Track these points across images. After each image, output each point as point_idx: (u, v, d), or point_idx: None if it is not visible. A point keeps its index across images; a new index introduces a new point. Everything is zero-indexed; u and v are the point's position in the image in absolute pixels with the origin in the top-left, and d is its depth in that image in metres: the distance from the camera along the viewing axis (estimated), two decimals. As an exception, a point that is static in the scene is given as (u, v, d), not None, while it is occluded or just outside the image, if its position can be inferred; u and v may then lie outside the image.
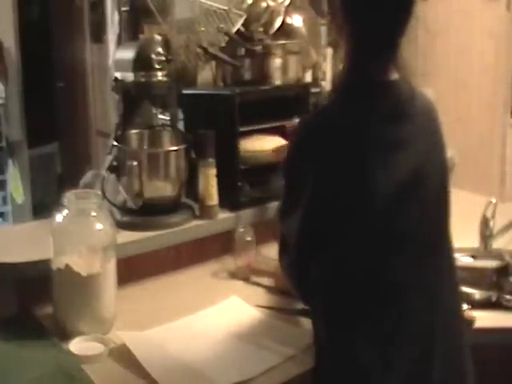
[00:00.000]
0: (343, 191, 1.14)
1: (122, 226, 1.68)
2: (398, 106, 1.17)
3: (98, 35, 4.36)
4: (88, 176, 1.88)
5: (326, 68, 2.37)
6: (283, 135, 1.93)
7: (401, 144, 1.16)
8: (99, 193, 1.55)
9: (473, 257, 1.71)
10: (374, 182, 1.13)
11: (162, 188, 1.75)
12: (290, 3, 2.13)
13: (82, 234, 1.42)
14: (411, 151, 1.17)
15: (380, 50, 1.17)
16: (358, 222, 1.15)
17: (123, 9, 3.38)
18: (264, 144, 1.97)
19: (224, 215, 1.83)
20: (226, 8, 1.99)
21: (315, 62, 2.32)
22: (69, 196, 1.43)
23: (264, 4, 2.04)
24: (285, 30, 2.11)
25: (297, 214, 1.19)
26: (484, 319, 1.44)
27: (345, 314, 1.18)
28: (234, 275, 1.74)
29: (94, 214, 1.43)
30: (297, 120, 1.78)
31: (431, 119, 1.25)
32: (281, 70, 2.01)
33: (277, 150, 1.91)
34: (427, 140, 1.21)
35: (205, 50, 1.93)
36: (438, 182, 1.22)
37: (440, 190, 1.23)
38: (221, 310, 1.55)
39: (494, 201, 1.74)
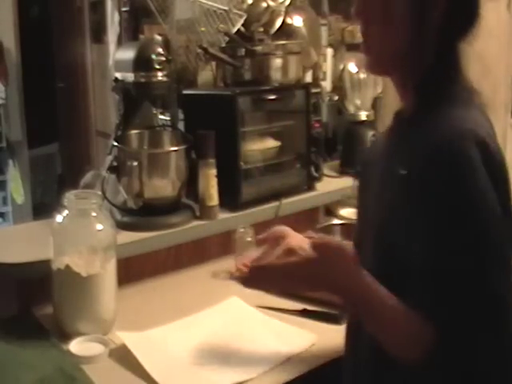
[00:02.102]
0: None
1: (122, 226, 1.68)
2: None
3: (98, 35, 4.36)
4: (88, 176, 1.88)
5: (326, 68, 2.37)
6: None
7: None
8: (99, 193, 1.55)
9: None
10: None
11: (163, 188, 1.75)
12: (290, 3, 2.13)
13: (82, 235, 1.42)
14: None
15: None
16: None
17: (123, 9, 3.38)
18: (264, 144, 1.97)
19: (224, 215, 1.83)
20: (226, 8, 1.98)
21: (315, 63, 2.32)
22: (69, 196, 1.43)
23: (264, 4, 2.04)
24: (285, 31, 2.11)
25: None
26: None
27: None
28: (234, 276, 1.74)
29: (94, 214, 1.43)
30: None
31: None
32: (281, 70, 2.01)
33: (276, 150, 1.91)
34: None
35: (205, 50, 1.93)
36: None
37: None
38: (221, 310, 1.54)
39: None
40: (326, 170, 2.21)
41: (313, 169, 2.06)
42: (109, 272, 1.44)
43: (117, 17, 3.53)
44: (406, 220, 0.96)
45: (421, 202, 0.93)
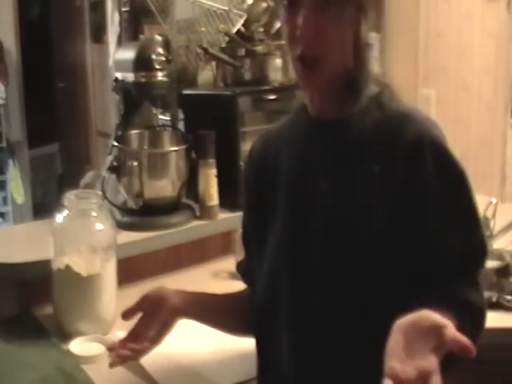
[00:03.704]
0: None
1: (122, 226, 1.68)
2: None
3: (98, 35, 4.36)
4: (88, 176, 1.88)
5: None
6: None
7: None
8: (99, 193, 1.55)
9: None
10: None
11: (163, 188, 1.75)
12: (290, 3, 2.13)
13: (82, 235, 1.42)
14: None
15: None
16: None
17: (123, 9, 3.38)
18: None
19: (224, 215, 1.82)
20: (226, 8, 1.98)
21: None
22: (69, 196, 1.43)
23: (264, 4, 2.03)
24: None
25: None
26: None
27: None
28: (234, 276, 1.74)
29: (94, 214, 1.43)
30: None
31: None
32: (281, 70, 2.00)
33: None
34: None
35: (205, 50, 1.93)
36: None
37: None
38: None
39: (494, 201, 1.74)
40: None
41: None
42: (109, 272, 1.44)
43: (117, 17, 3.53)
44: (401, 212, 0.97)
45: (419, 191, 0.96)
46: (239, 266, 1.27)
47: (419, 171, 0.96)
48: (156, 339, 1.13)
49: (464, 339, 0.74)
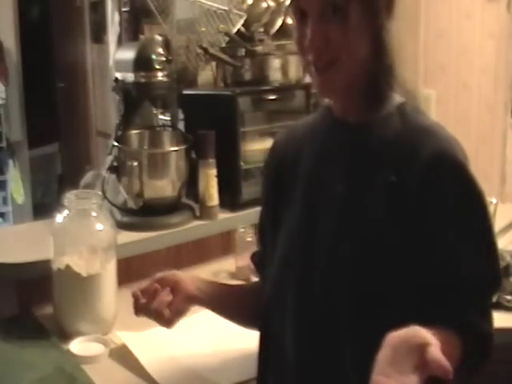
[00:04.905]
0: None
1: (122, 226, 1.68)
2: None
3: (99, 35, 4.36)
4: (88, 176, 1.88)
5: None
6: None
7: None
8: (99, 193, 1.55)
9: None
10: None
11: (163, 188, 1.75)
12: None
13: (82, 235, 1.43)
14: None
15: None
16: None
17: (123, 9, 3.38)
18: (264, 144, 1.97)
19: (224, 215, 1.82)
20: (226, 8, 1.98)
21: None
22: (69, 196, 1.43)
23: (264, 4, 2.03)
24: (285, 31, 2.11)
25: None
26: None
27: None
28: (234, 275, 1.74)
29: (94, 214, 1.43)
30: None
31: None
32: (281, 70, 2.00)
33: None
34: None
35: (205, 50, 1.93)
36: None
37: None
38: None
39: (494, 201, 1.74)
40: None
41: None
42: (109, 272, 1.44)
43: (117, 17, 3.53)
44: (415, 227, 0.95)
45: (435, 209, 0.94)
46: (253, 256, 1.27)
47: (436, 189, 0.94)
48: (170, 322, 1.14)
49: (444, 361, 0.73)
